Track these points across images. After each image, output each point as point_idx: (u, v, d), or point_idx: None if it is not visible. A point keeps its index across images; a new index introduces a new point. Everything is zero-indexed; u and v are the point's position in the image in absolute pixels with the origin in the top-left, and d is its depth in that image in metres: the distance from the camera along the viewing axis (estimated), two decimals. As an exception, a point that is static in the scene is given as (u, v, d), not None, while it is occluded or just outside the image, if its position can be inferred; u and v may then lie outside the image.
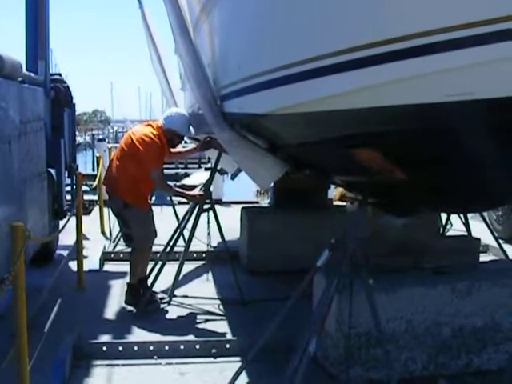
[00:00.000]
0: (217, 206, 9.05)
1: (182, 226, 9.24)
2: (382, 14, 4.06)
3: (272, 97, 5.56)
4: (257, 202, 18.00)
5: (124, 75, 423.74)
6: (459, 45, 3.77)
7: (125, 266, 10.08)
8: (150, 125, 8.46)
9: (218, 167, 9.97)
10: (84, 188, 12.07)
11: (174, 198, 13.15)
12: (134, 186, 8.22)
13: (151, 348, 6.82)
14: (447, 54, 3.83)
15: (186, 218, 9.03)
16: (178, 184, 23.62)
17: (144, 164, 8.12)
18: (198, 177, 18.05)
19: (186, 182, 23.89)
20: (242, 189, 20.77)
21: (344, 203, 11.60)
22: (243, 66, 6.26)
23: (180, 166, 29.09)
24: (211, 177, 8.95)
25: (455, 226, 11.04)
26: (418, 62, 3.95)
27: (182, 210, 9.90)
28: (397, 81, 4.14)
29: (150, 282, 8.69)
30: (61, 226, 9.36)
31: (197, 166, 28.10)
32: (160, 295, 8.78)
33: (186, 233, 9.16)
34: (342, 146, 5.34)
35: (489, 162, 4.84)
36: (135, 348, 6.80)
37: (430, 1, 3.88)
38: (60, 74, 12.19)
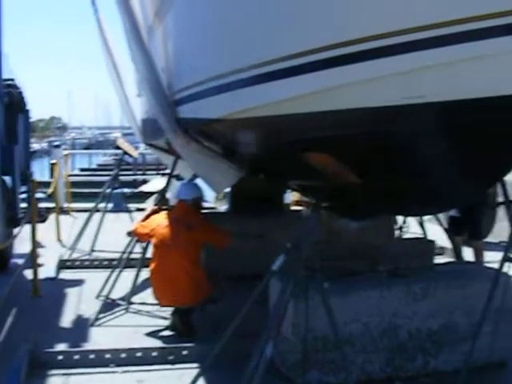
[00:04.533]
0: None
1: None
2: (337, 17, 4.07)
3: (225, 101, 5.54)
4: (214, 208, 17.97)
5: (81, 82, 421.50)
6: (411, 48, 3.79)
7: (81, 274, 10.02)
8: (179, 208, 8.13)
9: (175, 173, 9.94)
10: (40, 195, 11.95)
11: (129, 205, 13.08)
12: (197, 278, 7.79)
13: (107, 356, 6.75)
14: (399, 58, 3.85)
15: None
16: (136, 191, 23.46)
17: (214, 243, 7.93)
18: (157, 183, 17.94)
19: (144, 188, 23.69)
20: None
21: (300, 208, 11.59)
22: (196, 71, 6.24)
23: (138, 172, 28.97)
24: (167, 183, 8.91)
25: (412, 229, 11.10)
26: (371, 65, 3.96)
27: (139, 216, 9.83)
28: (349, 84, 4.16)
29: (106, 290, 8.62)
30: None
31: (155, 172, 27.96)
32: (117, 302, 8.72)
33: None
34: (295, 150, 5.34)
35: (440, 165, 4.87)
36: (91, 356, 6.73)
37: (384, 4, 3.89)
38: (13, 79, 12.01)
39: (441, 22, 3.63)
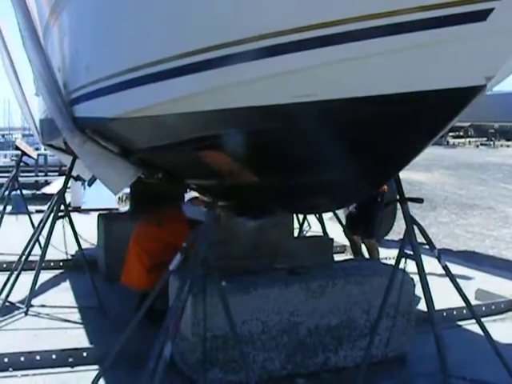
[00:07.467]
0: (75, 214, 8.89)
1: (37, 233, 9.01)
2: (221, 18, 4.09)
3: (120, 100, 5.52)
4: (116, 209, 17.79)
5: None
6: (303, 46, 3.83)
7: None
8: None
9: (75, 174, 9.81)
10: None
11: (30, 207, 12.82)
12: None
13: (6, 360, 6.61)
14: (292, 56, 3.89)
15: (41, 225, 8.82)
16: (38, 192, 23.09)
17: None
18: (59, 185, 17.56)
19: (47, 190, 23.33)
20: (107, 196, 20.51)
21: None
22: (92, 69, 6.18)
23: (40, 174, 28.50)
24: (65, 184, 8.81)
25: (316, 228, 11.15)
26: (263, 63, 3.99)
27: (38, 218, 9.64)
28: (242, 82, 4.17)
29: (5, 292, 8.43)
30: None
31: (57, 173, 27.48)
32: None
33: (43, 241, 8.92)
34: (190, 149, 5.35)
35: (334, 162, 4.93)
36: (-12, 360, 6.58)
37: (270, 3, 3.92)
38: None
39: (328, 21, 3.68)
